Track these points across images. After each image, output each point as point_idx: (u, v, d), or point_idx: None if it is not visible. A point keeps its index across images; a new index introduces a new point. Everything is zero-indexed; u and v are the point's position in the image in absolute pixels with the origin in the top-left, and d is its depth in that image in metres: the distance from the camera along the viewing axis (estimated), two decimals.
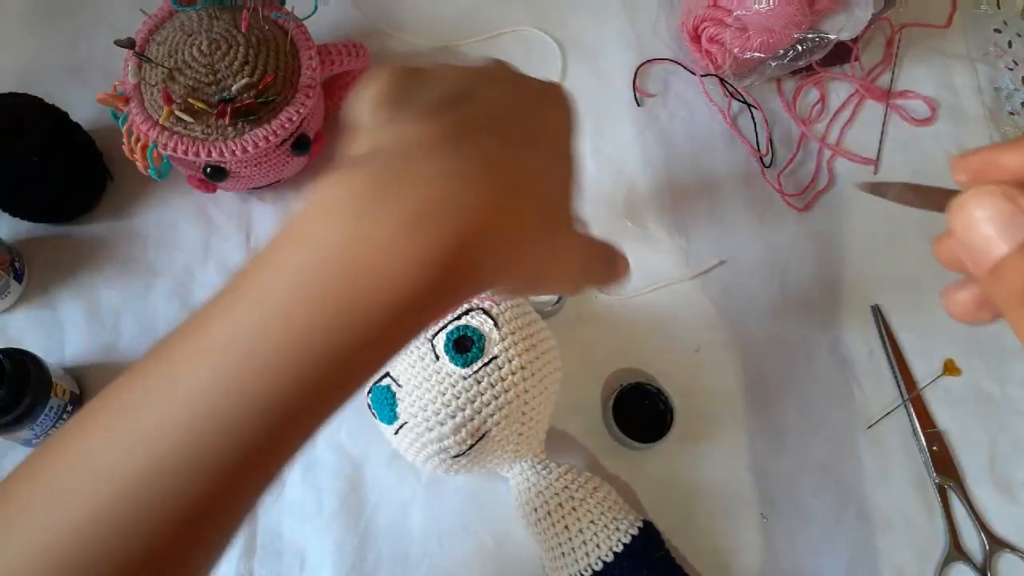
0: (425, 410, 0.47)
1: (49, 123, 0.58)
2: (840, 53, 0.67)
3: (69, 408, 0.54)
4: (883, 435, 0.58)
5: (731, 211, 0.65)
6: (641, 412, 0.56)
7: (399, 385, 0.48)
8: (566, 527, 0.48)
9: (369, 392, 0.50)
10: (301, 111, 0.54)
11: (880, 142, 0.67)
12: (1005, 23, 0.73)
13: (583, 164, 0.65)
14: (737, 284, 0.62)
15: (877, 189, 0.29)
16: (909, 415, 0.59)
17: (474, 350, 0.47)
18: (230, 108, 0.52)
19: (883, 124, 0.68)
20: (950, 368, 0.60)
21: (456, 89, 0.27)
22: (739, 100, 0.67)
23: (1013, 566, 0.55)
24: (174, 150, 0.53)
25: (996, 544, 0.55)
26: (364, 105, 0.27)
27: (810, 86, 0.69)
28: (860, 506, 0.56)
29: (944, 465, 0.57)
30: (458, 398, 0.47)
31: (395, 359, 0.49)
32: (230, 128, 0.53)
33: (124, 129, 0.55)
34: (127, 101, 0.54)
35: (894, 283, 0.63)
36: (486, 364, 0.47)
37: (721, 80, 0.67)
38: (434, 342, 0.48)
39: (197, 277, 0.61)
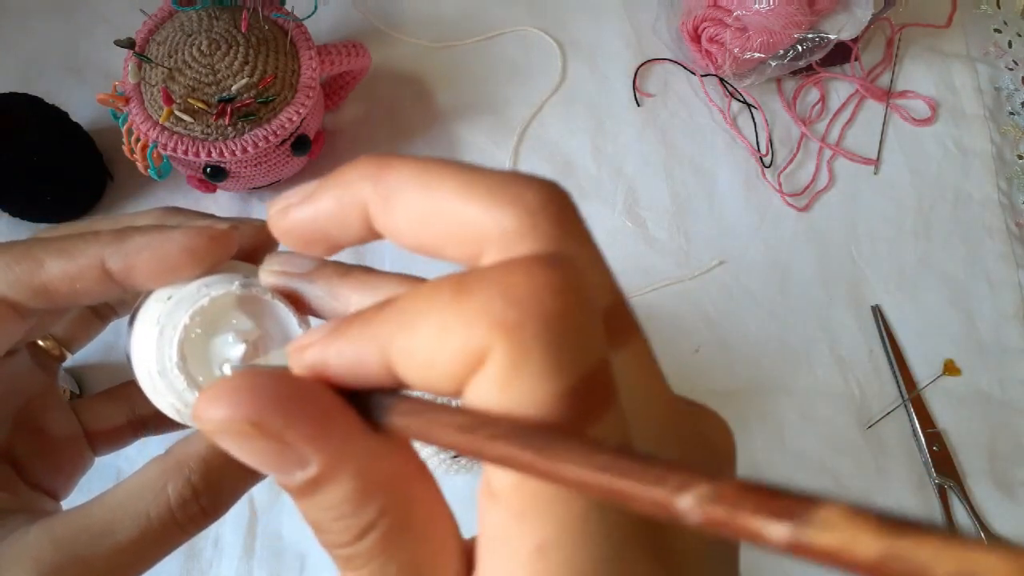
0: None
1: (49, 123, 0.58)
2: (840, 53, 0.67)
3: None
4: (883, 435, 0.58)
5: (731, 211, 0.65)
6: None
7: None
8: None
9: None
10: (301, 111, 0.54)
11: (880, 142, 0.67)
12: (1005, 23, 0.73)
13: (583, 164, 0.65)
14: (737, 284, 0.62)
15: None
16: (909, 415, 0.59)
17: None
18: (230, 108, 0.52)
19: (883, 124, 0.68)
20: (950, 368, 0.60)
21: None
22: (739, 100, 0.67)
23: None
24: (174, 150, 0.53)
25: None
26: None
27: (810, 86, 0.69)
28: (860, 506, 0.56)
29: (944, 465, 0.57)
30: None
31: None
32: (230, 128, 0.53)
33: (124, 129, 0.55)
34: (127, 101, 0.54)
35: (894, 283, 0.63)
36: None
37: (721, 80, 0.67)
38: None
39: None
